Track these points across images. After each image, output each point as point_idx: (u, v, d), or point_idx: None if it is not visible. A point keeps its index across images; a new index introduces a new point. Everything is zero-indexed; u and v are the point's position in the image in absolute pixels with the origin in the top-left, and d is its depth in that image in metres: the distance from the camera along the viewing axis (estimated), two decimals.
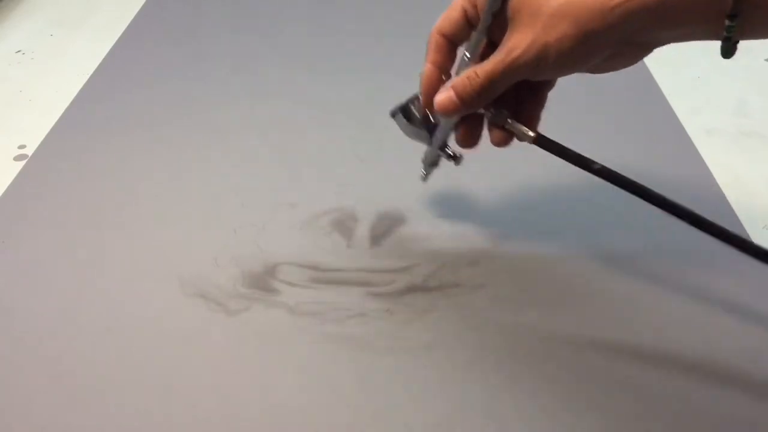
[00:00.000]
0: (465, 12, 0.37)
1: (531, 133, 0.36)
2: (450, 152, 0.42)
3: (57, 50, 0.69)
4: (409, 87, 0.58)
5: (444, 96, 0.36)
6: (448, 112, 0.37)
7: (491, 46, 0.36)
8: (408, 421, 0.35)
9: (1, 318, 0.40)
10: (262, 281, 0.42)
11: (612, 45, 0.33)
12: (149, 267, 0.43)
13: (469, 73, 0.35)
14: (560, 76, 0.35)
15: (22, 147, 0.54)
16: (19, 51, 0.69)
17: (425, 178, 0.46)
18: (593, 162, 0.35)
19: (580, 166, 0.35)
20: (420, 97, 0.40)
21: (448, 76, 0.38)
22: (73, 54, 0.68)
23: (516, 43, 0.33)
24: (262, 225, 0.46)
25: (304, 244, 0.45)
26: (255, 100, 0.59)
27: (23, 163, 0.52)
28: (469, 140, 0.40)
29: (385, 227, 0.46)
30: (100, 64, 0.65)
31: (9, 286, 0.42)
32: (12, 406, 0.36)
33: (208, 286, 0.42)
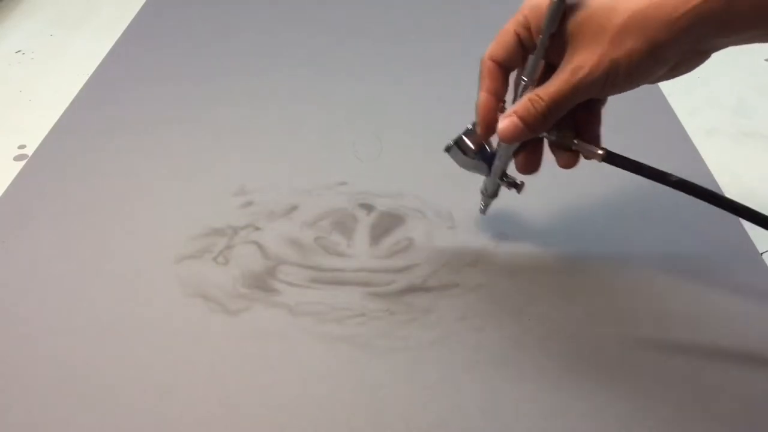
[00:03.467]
0: (518, 36, 0.36)
1: (599, 151, 0.36)
2: (511, 180, 0.41)
3: (57, 50, 0.69)
4: (410, 87, 0.58)
5: (507, 123, 0.35)
6: (513, 138, 0.36)
7: (547, 69, 0.35)
8: (408, 421, 0.35)
9: (0, 318, 0.40)
10: (262, 281, 0.42)
11: (678, 55, 0.32)
12: (149, 267, 0.43)
13: (531, 97, 0.34)
14: (626, 91, 0.34)
15: (22, 147, 0.54)
16: (19, 51, 0.69)
17: (484, 210, 0.45)
18: (670, 175, 0.34)
19: (657, 180, 0.35)
20: (475, 127, 0.39)
21: (502, 103, 0.37)
22: (73, 54, 0.68)
23: (582, 62, 0.33)
24: (263, 225, 0.46)
25: (304, 244, 0.45)
26: (254, 101, 0.59)
27: (23, 163, 0.52)
28: (531, 165, 0.40)
29: (385, 227, 0.46)
30: (100, 64, 0.65)
31: (9, 286, 0.42)
32: (12, 405, 0.36)
33: (208, 286, 0.42)
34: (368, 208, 0.48)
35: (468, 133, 0.40)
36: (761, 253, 0.44)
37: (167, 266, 0.43)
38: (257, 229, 0.46)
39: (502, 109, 0.37)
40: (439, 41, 0.67)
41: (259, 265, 0.43)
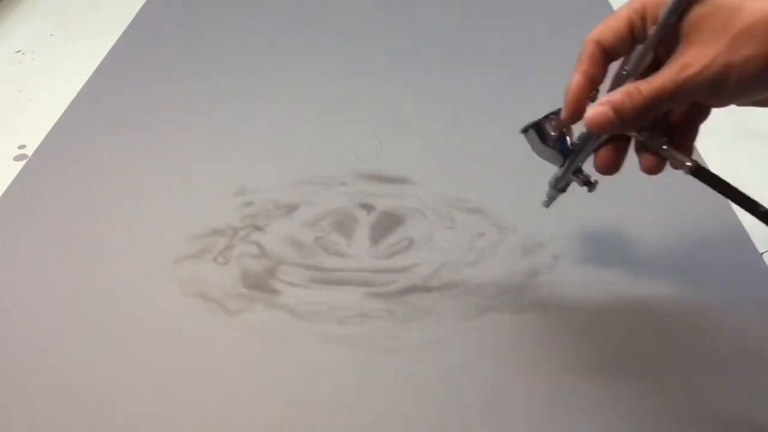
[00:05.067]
0: (631, 23, 0.33)
1: (688, 162, 0.33)
2: (585, 177, 0.38)
3: (57, 50, 0.69)
4: (410, 87, 0.58)
5: (598, 111, 0.32)
6: (599, 128, 0.33)
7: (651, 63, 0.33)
8: (408, 420, 0.35)
9: (0, 318, 0.40)
10: (262, 281, 0.42)
11: None
12: (149, 267, 0.43)
13: (629, 89, 0.32)
14: (731, 104, 0.32)
15: (22, 147, 0.54)
16: (19, 51, 0.69)
17: (548, 204, 0.41)
18: (759, 205, 0.32)
19: (743, 207, 0.32)
20: (559, 113, 0.36)
21: (595, 91, 0.35)
22: (73, 54, 0.68)
23: (692, 60, 0.30)
24: (263, 225, 0.46)
25: (304, 244, 0.45)
26: (255, 101, 0.59)
27: (23, 163, 0.52)
28: (612, 165, 0.36)
29: (385, 227, 0.46)
30: (100, 64, 0.64)
31: (9, 286, 0.42)
32: (11, 406, 0.36)
33: (208, 286, 0.42)
34: (368, 208, 0.48)
35: (549, 118, 0.37)
36: (761, 253, 0.44)
37: (167, 266, 0.43)
38: (257, 229, 0.46)
39: (594, 98, 0.34)
40: (439, 41, 0.67)
41: (259, 265, 0.43)
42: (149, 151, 0.53)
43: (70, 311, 0.41)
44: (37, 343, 0.39)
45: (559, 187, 0.40)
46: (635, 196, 0.48)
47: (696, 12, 0.31)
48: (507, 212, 0.47)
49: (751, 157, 0.54)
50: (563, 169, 0.38)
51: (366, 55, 0.65)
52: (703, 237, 0.45)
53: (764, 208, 0.32)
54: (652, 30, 0.32)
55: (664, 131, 0.34)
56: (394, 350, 0.38)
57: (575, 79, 0.34)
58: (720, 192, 0.33)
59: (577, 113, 0.35)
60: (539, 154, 0.38)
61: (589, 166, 0.37)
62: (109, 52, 0.67)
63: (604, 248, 0.44)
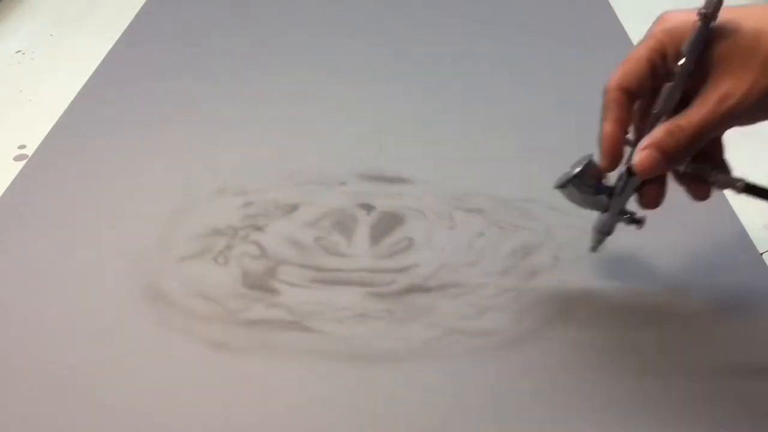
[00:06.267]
0: (651, 63, 0.34)
1: (738, 183, 0.34)
2: (630, 216, 0.39)
3: (57, 50, 0.69)
4: (410, 87, 0.58)
5: (645, 155, 0.33)
6: (651, 172, 0.34)
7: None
8: (408, 421, 0.35)
9: (0, 318, 0.40)
10: (262, 281, 0.42)
11: None
12: (149, 267, 0.43)
13: (670, 128, 0.33)
14: None
15: (22, 147, 0.54)
16: (19, 51, 0.69)
17: (595, 248, 0.41)
18: None
19: None
20: (589, 163, 0.37)
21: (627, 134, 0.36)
22: (73, 54, 0.68)
23: (731, 90, 0.31)
24: (263, 225, 0.46)
25: (304, 244, 0.45)
26: (255, 100, 0.59)
27: (23, 163, 0.52)
28: (656, 199, 0.37)
29: (385, 227, 0.46)
30: (100, 64, 0.64)
31: (8, 287, 0.42)
32: (10, 406, 0.36)
33: (208, 286, 0.42)
34: (368, 208, 0.48)
35: (584, 170, 0.37)
36: (761, 253, 0.44)
37: (167, 266, 0.43)
38: (257, 229, 0.46)
39: (626, 141, 0.35)
40: (440, 41, 0.67)
41: (259, 265, 0.43)
42: (149, 151, 0.53)
43: (69, 311, 0.40)
44: (36, 344, 0.39)
45: (605, 230, 0.40)
46: (635, 197, 0.48)
47: (719, 42, 0.31)
48: (507, 212, 0.47)
49: (751, 157, 0.54)
50: (609, 213, 0.39)
51: (366, 55, 0.65)
52: (703, 237, 0.45)
53: None
54: (677, 68, 0.32)
55: (705, 154, 0.35)
56: (394, 350, 0.38)
57: (609, 129, 0.35)
58: None
59: (616, 161, 0.35)
60: (580, 204, 0.38)
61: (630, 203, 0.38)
62: (109, 52, 0.67)
63: (603, 248, 0.44)
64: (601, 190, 0.38)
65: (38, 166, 0.52)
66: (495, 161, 0.52)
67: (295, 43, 0.68)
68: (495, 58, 0.64)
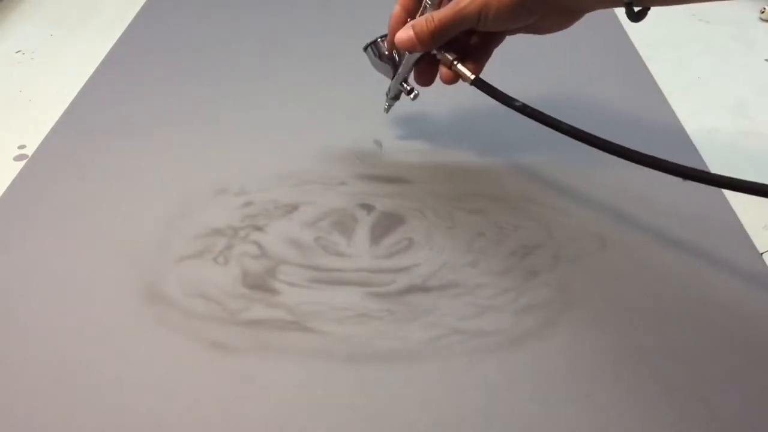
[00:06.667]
0: None
1: (471, 76, 0.43)
2: (408, 87, 0.48)
3: (57, 50, 0.69)
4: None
5: (404, 33, 0.43)
6: (406, 47, 0.44)
7: None
8: (408, 421, 0.35)
9: (0, 318, 0.40)
10: (262, 281, 0.42)
11: (543, 9, 0.40)
12: (149, 267, 0.43)
13: (427, 17, 0.42)
14: (500, 29, 0.42)
15: (22, 147, 0.54)
16: (19, 51, 0.69)
17: (387, 109, 0.52)
18: (515, 100, 0.42)
19: (504, 104, 0.42)
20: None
21: (411, 18, 0.45)
22: (73, 54, 0.68)
23: None
24: (263, 225, 0.46)
25: (304, 244, 0.45)
26: (255, 101, 0.59)
27: (23, 163, 0.52)
28: (425, 78, 0.48)
29: (385, 227, 0.46)
30: (100, 65, 0.64)
31: (8, 287, 0.42)
32: (10, 406, 0.36)
33: (208, 286, 0.42)
34: (368, 208, 0.48)
35: (383, 39, 0.48)
36: (761, 253, 0.44)
37: (167, 266, 0.43)
38: (257, 229, 0.46)
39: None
40: None
41: (259, 265, 0.43)
42: (149, 151, 0.53)
43: (70, 311, 0.41)
44: (37, 343, 0.39)
45: (391, 95, 0.51)
46: (635, 197, 0.48)
47: None
48: (507, 212, 0.47)
49: (751, 156, 0.54)
50: (393, 81, 0.49)
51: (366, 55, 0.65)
52: (703, 237, 0.45)
53: (519, 102, 0.42)
54: None
55: (464, 52, 0.44)
56: (394, 350, 0.38)
57: (396, 11, 0.45)
58: (493, 98, 0.42)
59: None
60: (375, 68, 0.50)
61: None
62: (109, 52, 0.67)
63: (603, 248, 0.45)
64: (394, 61, 0.48)
65: (38, 166, 0.52)
66: (496, 161, 0.52)
67: (296, 43, 0.68)
68: (497, 57, 0.64)
